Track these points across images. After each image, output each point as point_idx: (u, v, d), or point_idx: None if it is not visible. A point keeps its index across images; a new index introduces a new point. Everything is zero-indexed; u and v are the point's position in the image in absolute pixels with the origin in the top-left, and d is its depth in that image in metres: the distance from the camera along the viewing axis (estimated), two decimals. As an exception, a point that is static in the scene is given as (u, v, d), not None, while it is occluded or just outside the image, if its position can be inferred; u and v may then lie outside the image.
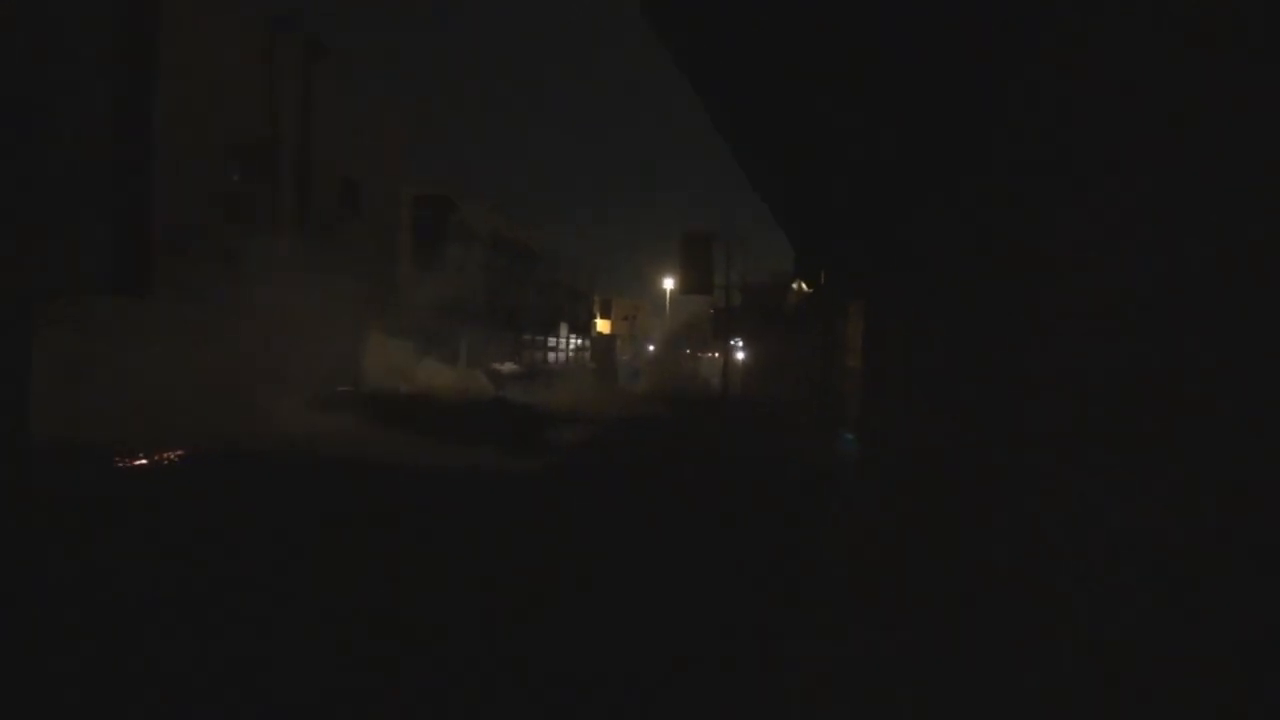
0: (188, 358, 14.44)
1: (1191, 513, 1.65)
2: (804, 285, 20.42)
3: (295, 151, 18.90)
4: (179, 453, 11.24)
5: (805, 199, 7.21)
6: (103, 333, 13.41)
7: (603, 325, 72.13)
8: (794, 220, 8.75)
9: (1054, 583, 2.41)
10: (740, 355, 29.73)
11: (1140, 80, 2.09)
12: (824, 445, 13.17)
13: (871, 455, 8.50)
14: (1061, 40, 2.82)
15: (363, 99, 21.74)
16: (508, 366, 38.06)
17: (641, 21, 3.72)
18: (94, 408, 12.14)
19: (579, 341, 60.15)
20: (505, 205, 43.67)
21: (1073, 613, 2.23)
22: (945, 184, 4.63)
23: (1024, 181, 3.14)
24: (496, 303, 40.43)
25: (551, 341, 53.89)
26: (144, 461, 10.74)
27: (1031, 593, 2.64)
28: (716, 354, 40.35)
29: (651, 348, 61.99)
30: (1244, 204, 1.52)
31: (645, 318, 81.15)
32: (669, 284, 75.97)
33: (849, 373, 13.08)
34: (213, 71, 16.69)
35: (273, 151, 18.39)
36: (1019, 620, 2.75)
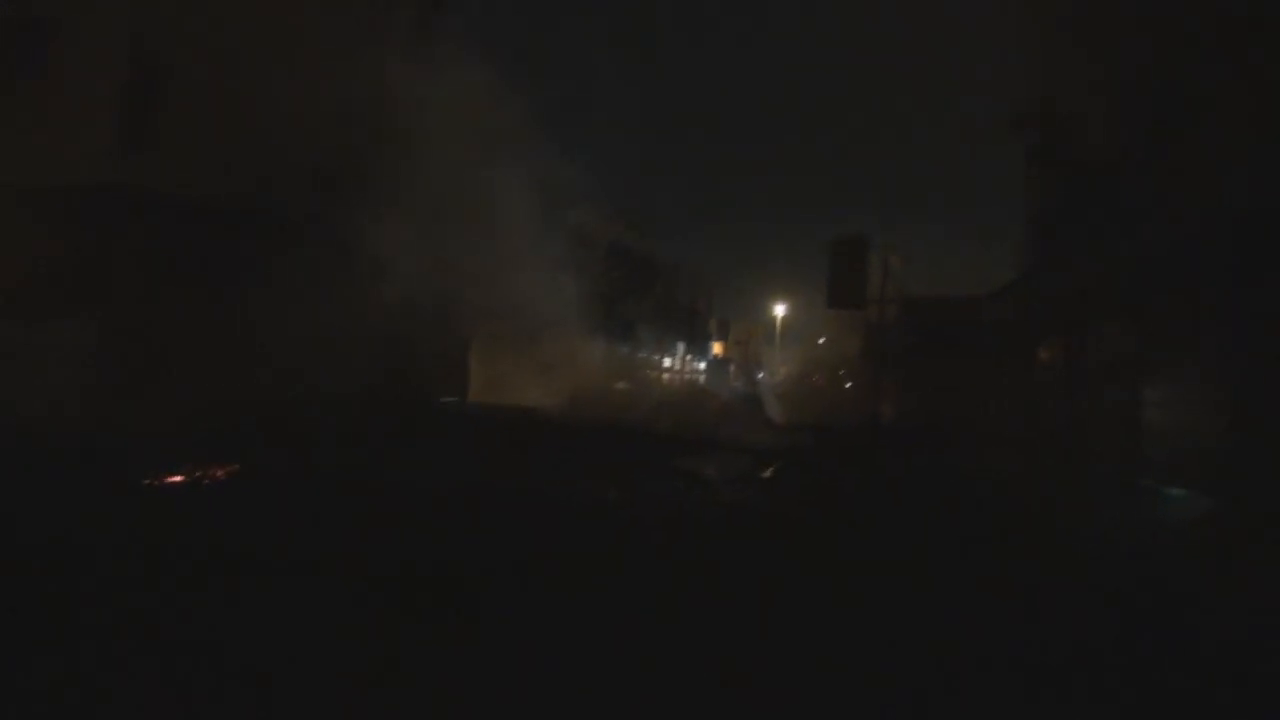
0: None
1: None
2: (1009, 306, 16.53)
3: (399, 126, 16.52)
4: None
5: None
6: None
7: (717, 348, 68.37)
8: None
9: None
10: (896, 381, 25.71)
11: None
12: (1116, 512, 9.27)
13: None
14: None
15: (473, 75, 19.27)
16: (621, 386, 35.34)
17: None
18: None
19: (696, 363, 56.83)
20: (627, 214, 41.06)
21: None
22: None
23: None
24: (613, 316, 37.67)
25: (666, 362, 50.77)
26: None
27: None
28: (850, 381, 36.26)
29: (761, 375, 57.94)
30: None
31: (759, 343, 76.81)
32: (780, 310, 71.37)
33: (1120, 406, 9.31)
34: (309, 31, 14.50)
35: (372, 125, 16.06)
36: None
